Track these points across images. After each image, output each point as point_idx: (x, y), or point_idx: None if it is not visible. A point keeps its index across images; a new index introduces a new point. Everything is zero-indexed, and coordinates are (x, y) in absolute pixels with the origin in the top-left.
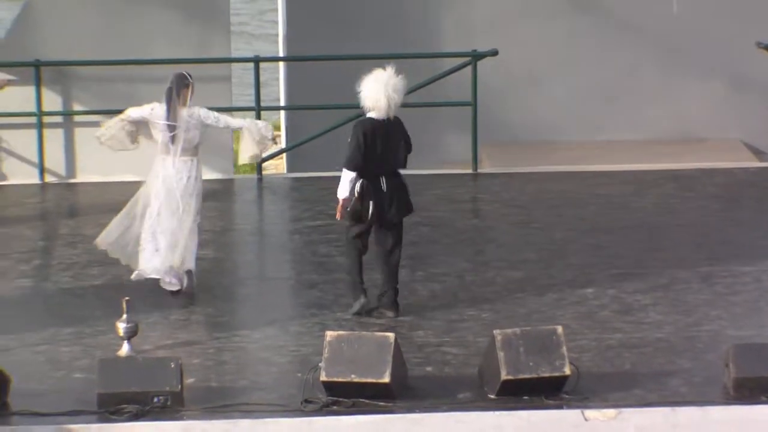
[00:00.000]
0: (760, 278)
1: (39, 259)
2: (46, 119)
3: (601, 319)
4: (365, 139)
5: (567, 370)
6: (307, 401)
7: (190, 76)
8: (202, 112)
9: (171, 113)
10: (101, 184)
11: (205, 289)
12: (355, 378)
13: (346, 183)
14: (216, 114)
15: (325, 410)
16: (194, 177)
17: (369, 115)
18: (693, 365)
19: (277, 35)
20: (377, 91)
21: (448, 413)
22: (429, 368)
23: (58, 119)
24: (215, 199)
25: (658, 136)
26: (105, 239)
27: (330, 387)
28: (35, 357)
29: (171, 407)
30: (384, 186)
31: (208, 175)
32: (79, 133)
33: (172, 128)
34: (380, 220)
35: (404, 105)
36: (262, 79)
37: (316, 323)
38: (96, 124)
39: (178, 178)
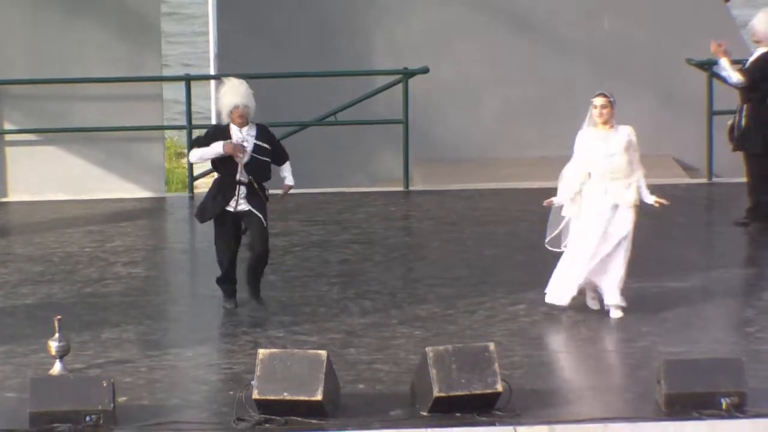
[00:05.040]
0: (690, 294)
1: None
2: None
3: (533, 335)
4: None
5: (499, 387)
6: (239, 419)
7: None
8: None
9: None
10: (32, 203)
11: (137, 307)
12: (287, 396)
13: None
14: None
15: (257, 428)
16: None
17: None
18: (625, 381)
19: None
20: None
21: (381, 431)
22: (361, 386)
23: None
24: (147, 217)
25: None
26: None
27: (262, 405)
28: None
29: (103, 426)
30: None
31: (140, 193)
32: (11, 152)
33: None
34: None
35: (336, 123)
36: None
37: (248, 341)
38: (28, 143)
39: None
